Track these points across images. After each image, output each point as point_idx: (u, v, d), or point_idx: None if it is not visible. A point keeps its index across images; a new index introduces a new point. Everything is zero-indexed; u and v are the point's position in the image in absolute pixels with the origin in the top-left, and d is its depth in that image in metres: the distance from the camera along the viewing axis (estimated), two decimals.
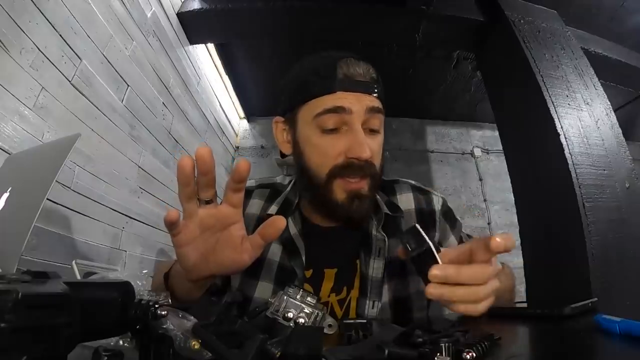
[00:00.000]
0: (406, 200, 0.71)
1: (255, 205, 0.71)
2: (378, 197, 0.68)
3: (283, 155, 0.69)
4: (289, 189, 0.71)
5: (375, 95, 0.60)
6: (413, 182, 0.76)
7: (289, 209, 0.68)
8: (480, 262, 0.41)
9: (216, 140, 2.68)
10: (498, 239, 0.39)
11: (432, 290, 0.41)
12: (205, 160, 0.39)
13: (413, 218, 0.70)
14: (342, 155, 0.58)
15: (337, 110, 0.57)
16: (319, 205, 0.65)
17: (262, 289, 0.65)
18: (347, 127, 0.58)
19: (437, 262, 0.41)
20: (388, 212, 0.67)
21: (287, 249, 0.65)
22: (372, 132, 0.61)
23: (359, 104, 0.58)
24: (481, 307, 0.42)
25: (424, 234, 0.42)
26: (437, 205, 0.72)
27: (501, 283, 0.45)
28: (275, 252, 0.66)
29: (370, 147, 0.58)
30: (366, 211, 0.61)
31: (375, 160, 0.60)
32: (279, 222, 0.43)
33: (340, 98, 0.58)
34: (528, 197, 1.75)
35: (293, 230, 0.66)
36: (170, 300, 0.38)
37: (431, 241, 0.42)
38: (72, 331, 0.25)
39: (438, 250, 0.43)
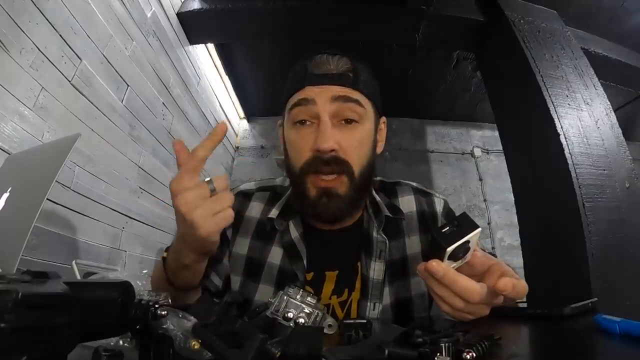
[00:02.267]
0: (407, 203, 0.71)
1: (256, 208, 0.71)
2: (379, 199, 0.68)
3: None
4: (289, 191, 0.71)
5: (347, 85, 0.59)
6: (414, 184, 0.75)
7: (290, 212, 0.67)
8: (488, 285, 0.43)
9: None
10: (507, 285, 0.40)
11: (422, 271, 0.43)
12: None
13: (414, 220, 0.69)
14: (310, 149, 0.58)
15: (301, 102, 0.59)
16: (299, 203, 0.65)
17: (263, 292, 0.64)
18: (317, 121, 0.59)
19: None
20: (389, 214, 0.66)
21: (288, 253, 0.65)
22: (348, 122, 0.59)
23: (324, 94, 0.58)
24: (458, 316, 0.44)
25: (473, 221, 0.42)
26: (439, 207, 0.72)
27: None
28: (276, 255, 0.66)
29: (340, 140, 0.57)
30: (338, 210, 0.60)
31: (348, 155, 0.58)
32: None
33: (307, 91, 0.59)
34: (528, 197, 1.75)
35: (294, 233, 0.66)
36: (170, 300, 0.38)
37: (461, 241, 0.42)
38: (72, 331, 0.25)
39: (466, 251, 0.43)
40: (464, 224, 0.42)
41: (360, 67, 0.62)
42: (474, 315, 0.44)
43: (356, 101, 0.59)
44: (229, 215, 0.47)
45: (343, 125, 0.59)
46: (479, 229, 0.42)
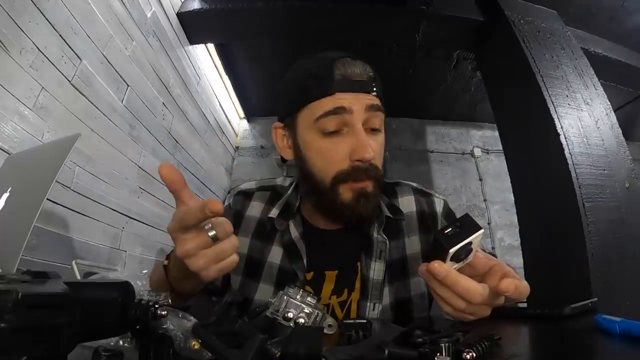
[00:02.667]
0: (407, 203, 0.71)
1: (256, 207, 0.71)
2: (379, 199, 0.68)
3: (284, 160, 0.69)
4: (290, 191, 0.71)
5: (374, 93, 0.60)
6: (414, 184, 0.76)
7: (290, 212, 0.68)
8: (489, 286, 0.43)
9: (216, 140, 2.68)
10: (510, 286, 0.40)
11: (423, 272, 0.43)
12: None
13: (414, 220, 0.69)
14: (346, 159, 0.58)
15: (337, 111, 0.57)
16: (324, 209, 0.64)
17: (263, 291, 0.65)
18: (348, 129, 0.58)
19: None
20: (389, 214, 0.66)
21: (288, 252, 0.65)
22: (373, 131, 0.60)
23: (358, 103, 0.57)
24: (460, 317, 0.44)
25: (476, 223, 0.42)
26: (439, 207, 0.72)
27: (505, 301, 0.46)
28: (276, 254, 0.66)
29: (373, 147, 0.57)
30: (372, 210, 0.61)
31: (377, 162, 0.60)
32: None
33: (340, 99, 0.57)
34: (528, 197, 1.75)
35: (294, 233, 0.66)
36: (170, 300, 0.38)
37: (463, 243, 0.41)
38: (72, 331, 0.25)
39: (469, 252, 0.43)
40: (467, 225, 0.42)
41: (376, 73, 0.62)
42: (475, 315, 0.44)
43: (380, 109, 0.60)
44: (232, 262, 0.45)
45: (370, 133, 0.60)
46: (482, 231, 0.42)
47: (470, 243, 0.42)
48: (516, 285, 0.40)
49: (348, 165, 0.58)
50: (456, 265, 0.44)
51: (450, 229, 0.41)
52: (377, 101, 0.60)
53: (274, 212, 0.67)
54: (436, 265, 0.41)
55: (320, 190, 0.60)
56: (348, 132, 0.58)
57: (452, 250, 0.41)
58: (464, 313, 0.43)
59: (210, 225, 0.42)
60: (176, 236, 0.43)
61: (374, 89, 0.60)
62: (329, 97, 0.57)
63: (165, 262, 0.56)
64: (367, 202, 0.59)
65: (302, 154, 0.62)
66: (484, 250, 0.50)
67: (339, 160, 0.58)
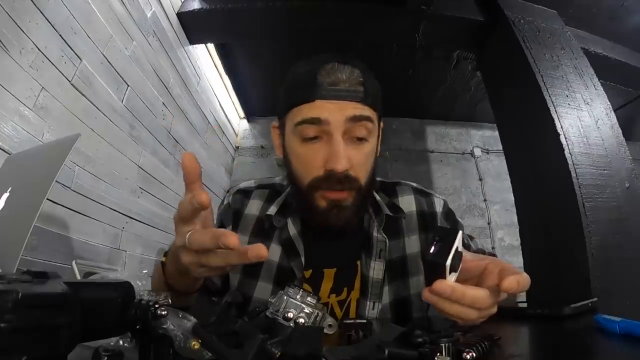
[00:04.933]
0: (407, 202, 0.71)
1: (255, 205, 0.71)
2: (379, 198, 0.68)
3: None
4: (288, 189, 0.71)
5: (359, 101, 0.57)
6: (414, 184, 0.76)
7: (289, 209, 0.68)
8: (489, 286, 0.42)
9: (216, 140, 2.68)
10: (512, 284, 0.39)
11: (428, 296, 0.41)
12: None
13: (414, 220, 0.70)
14: (322, 166, 0.57)
15: (314, 121, 0.56)
16: (304, 212, 0.65)
17: (261, 289, 0.65)
18: (327, 137, 0.57)
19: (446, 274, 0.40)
20: (389, 213, 0.67)
21: (286, 250, 0.66)
22: (359, 140, 0.59)
23: (338, 113, 0.56)
24: (472, 322, 0.43)
25: (459, 239, 0.41)
26: (439, 207, 0.72)
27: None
28: (275, 252, 0.66)
29: (352, 158, 0.57)
30: (347, 220, 0.60)
31: (357, 173, 0.59)
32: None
33: (319, 107, 0.56)
34: (528, 197, 1.75)
35: (292, 231, 0.66)
36: (170, 300, 0.38)
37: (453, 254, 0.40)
38: (72, 331, 0.25)
39: (460, 257, 0.42)
40: (445, 234, 0.41)
41: (368, 76, 0.60)
42: (484, 318, 0.43)
43: (367, 118, 0.58)
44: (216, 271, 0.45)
45: (353, 142, 0.58)
46: (461, 232, 0.41)
47: (457, 248, 0.41)
48: (518, 280, 0.39)
49: (323, 172, 0.57)
50: (455, 277, 0.43)
51: (433, 247, 0.41)
52: (362, 110, 0.58)
53: (272, 210, 0.67)
54: (438, 284, 0.40)
55: (300, 193, 0.61)
56: (327, 140, 0.57)
57: (448, 263, 0.40)
58: (475, 320, 0.43)
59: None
60: (176, 226, 0.43)
61: (361, 96, 0.58)
62: (310, 103, 0.56)
63: (163, 259, 0.57)
64: (339, 213, 0.59)
65: (287, 156, 0.63)
66: (483, 251, 0.49)
67: (315, 167, 0.58)
